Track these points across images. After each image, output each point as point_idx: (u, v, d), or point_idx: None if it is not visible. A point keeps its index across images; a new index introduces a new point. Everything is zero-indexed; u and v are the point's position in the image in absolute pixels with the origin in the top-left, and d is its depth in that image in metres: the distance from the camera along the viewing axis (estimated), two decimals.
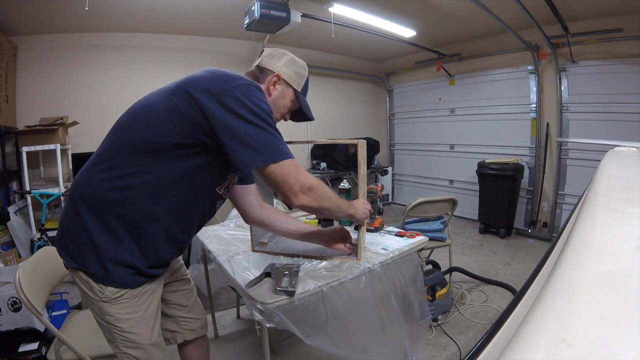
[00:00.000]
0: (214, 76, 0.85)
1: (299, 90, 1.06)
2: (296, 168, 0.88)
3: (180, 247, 1.00)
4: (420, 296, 1.45)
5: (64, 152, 3.14)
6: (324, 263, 1.23)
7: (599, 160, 0.99)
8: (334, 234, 1.30)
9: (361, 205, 1.16)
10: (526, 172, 3.84)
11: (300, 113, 1.11)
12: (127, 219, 0.86)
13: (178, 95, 0.84)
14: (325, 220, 1.67)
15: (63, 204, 2.31)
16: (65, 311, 2.03)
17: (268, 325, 0.99)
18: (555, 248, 0.65)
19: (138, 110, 0.89)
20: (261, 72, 1.02)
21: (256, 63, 1.05)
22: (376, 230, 1.60)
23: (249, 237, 1.41)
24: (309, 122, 1.15)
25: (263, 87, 0.99)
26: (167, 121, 0.83)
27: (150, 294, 0.96)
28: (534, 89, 3.79)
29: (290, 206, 1.06)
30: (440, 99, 4.80)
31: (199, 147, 0.85)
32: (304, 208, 0.93)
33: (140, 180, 0.85)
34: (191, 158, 0.86)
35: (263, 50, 1.07)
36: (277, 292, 1.01)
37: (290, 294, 1.00)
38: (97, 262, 0.86)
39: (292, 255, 1.32)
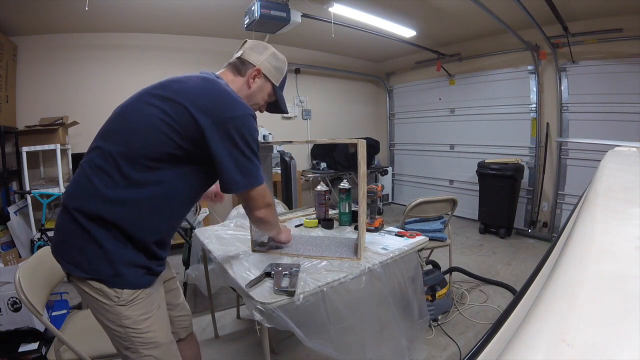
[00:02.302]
0: (212, 97, 0.90)
1: (277, 84, 1.11)
2: (264, 191, 1.02)
3: (169, 243, 1.04)
4: (419, 296, 1.45)
5: (64, 152, 3.14)
6: (324, 263, 1.23)
7: (599, 160, 0.99)
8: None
9: (286, 232, 1.39)
10: (526, 172, 3.84)
11: (275, 105, 1.17)
12: (123, 224, 0.87)
13: (173, 106, 0.87)
14: (325, 220, 1.68)
15: None
16: (65, 311, 2.03)
17: (268, 325, 0.99)
18: (555, 248, 0.65)
19: (131, 119, 0.90)
20: (242, 64, 1.06)
21: (238, 54, 1.07)
22: (376, 230, 1.60)
23: (249, 237, 1.41)
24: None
25: (243, 79, 1.05)
26: (163, 134, 0.87)
27: (157, 292, 0.98)
28: (534, 89, 3.79)
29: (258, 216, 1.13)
30: (440, 99, 4.80)
31: (191, 157, 0.91)
32: (259, 219, 1.07)
33: (138, 190, 0.87)
34: (183, 166, 0.91)
35: (246, 41, 1.08)
36: (277, 292, 1.01)
37: (290, 294, 1.00)
38: (108, 267, 0.86)
39: (292, 255, 1.32)
